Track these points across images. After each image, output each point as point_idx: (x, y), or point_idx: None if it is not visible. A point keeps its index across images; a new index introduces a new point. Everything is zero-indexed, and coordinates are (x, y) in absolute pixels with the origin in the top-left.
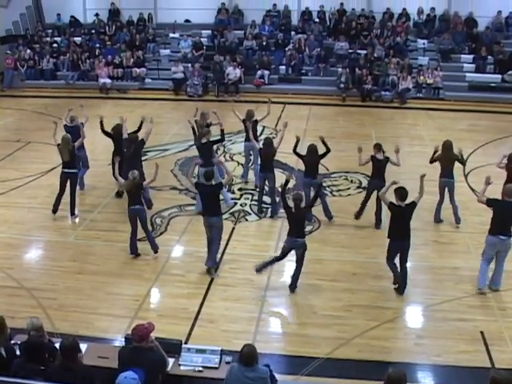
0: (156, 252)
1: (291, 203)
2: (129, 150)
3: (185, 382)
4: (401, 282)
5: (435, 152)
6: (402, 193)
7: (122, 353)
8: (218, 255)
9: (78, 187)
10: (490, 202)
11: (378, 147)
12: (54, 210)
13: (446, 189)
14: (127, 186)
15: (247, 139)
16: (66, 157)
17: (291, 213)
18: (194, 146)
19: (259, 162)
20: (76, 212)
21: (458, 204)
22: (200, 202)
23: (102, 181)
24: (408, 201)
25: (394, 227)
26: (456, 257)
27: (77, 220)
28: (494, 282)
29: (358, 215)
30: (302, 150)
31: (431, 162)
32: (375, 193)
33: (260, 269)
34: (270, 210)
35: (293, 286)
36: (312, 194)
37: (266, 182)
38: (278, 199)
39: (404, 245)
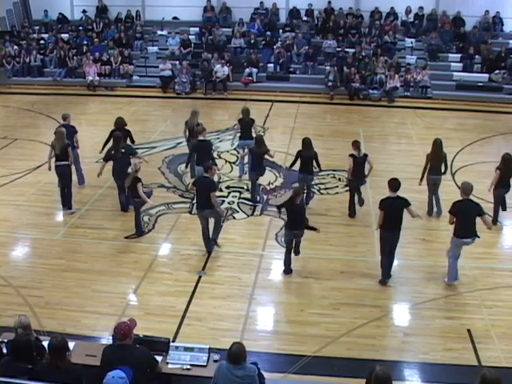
0: (139, 236)
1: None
2: (118, 151)
3: (173, 380)
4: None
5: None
6: (394, 184)
7: (105, 351)
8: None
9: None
10: (453, 211)
11: (356, 145)
12: (63, 205)
13: (433, 183)
14: (128, 179)
15: (242, 137)
16: (58, 149)
17: (291, 207)
18: (182, 144)
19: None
20: (73, 208)
21: (440, 197)
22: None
23: (89, 178)
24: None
25: (386, 218)
26: (443, 255)
27: (72, 213)
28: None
29: (352, 214)
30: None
31: (425, 167)
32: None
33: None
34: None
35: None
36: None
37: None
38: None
39: (394, 236)
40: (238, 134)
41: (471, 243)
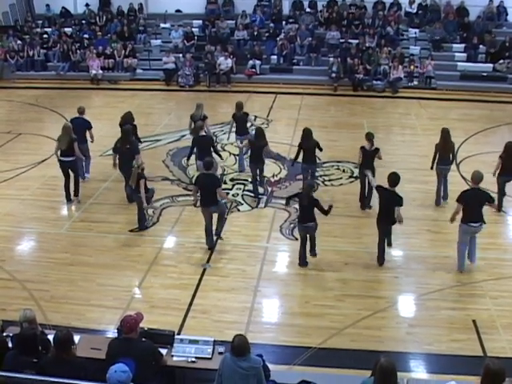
0: (141, 230)
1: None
2: (123, 146)
3: (178, 372)
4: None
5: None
6: (393, 178)
7: (111, 345)
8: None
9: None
10: (460, 199)
11: (368, 137)
12: (68, 199)
13: (443, 173)
14: (133, 178)
15: (238, 132)
16: (64, 145)
17: (302, 200)
18: (186, 137)
19: (249, 152)
20: (79, 197)
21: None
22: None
23: (94, 172)
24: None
25: (380, 210)
26: (448, 246)
27: (73, 207)
28: (470, 257)
29: (363, 207)
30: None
31: (434, 157)
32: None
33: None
34: (263, 199)
35: (313, 253)
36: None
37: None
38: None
39: (388, 228)
40: (234, 129)
41: (479, 229)
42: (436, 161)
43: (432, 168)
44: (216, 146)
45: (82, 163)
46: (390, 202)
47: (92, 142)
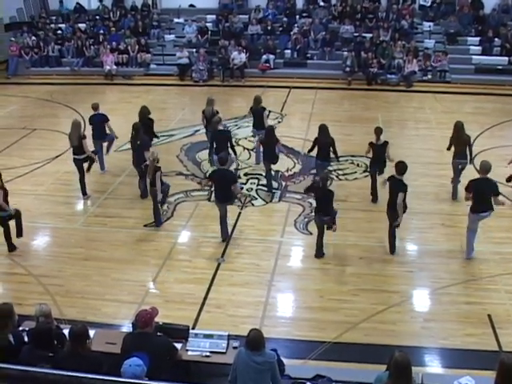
0: (157, 226)
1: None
2: (135, 142)
3: (192, 367)
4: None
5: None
6: (400, 166)
7: (125, 339)
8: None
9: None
10: (469, 187)
11: (377, 132)
12: (84, 193)
13: (459, 167)
14: (150, 170)
15: (254, 125)
16: (74, 141)
17: (318, 192)
18: (200, 132)
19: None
20: (87, 195)
21: (460, 181)
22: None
23: (108, 167)
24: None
25: (388, 198)
26: (462, 240)
27: (88, 202)
28: None
29: (374, 200)
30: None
31: (449, 148)
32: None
33: None
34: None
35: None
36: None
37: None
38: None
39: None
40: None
41: (488, 217)
42: (452, 154)
43: (449, 149)
44: (232, 142)
45: (103, 156)
46: (395, 189)
47: (117, 137)
